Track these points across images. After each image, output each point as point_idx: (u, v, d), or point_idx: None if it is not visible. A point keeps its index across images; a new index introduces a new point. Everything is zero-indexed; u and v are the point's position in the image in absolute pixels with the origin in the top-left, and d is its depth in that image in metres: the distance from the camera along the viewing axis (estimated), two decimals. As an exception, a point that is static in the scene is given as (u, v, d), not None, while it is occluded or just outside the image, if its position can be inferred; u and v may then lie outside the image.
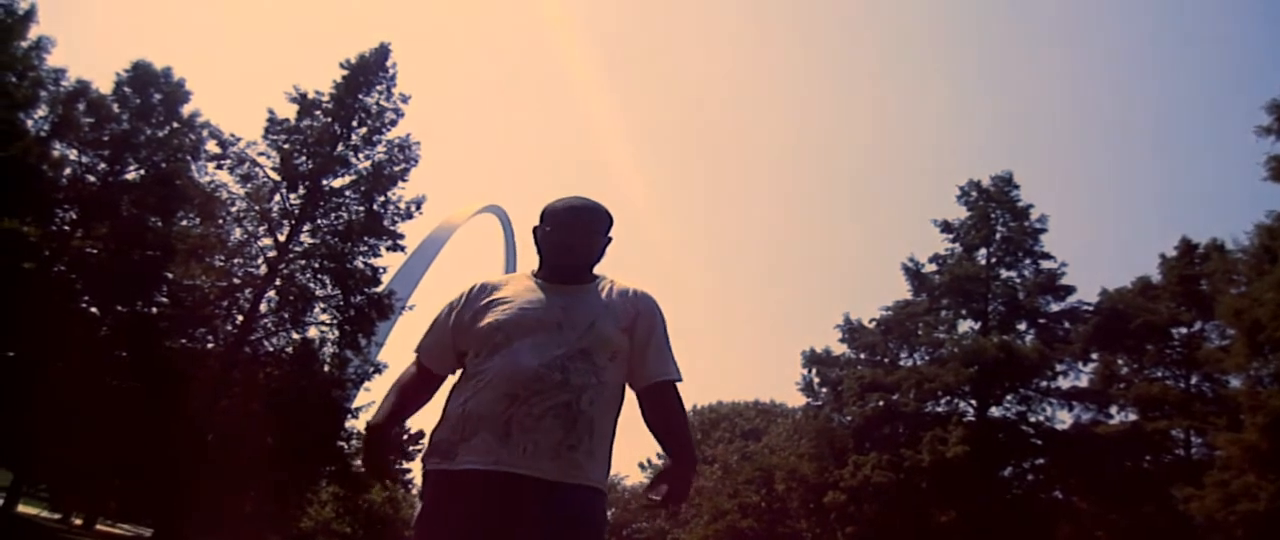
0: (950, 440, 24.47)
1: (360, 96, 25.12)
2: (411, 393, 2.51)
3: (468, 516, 2.16)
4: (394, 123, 25.45)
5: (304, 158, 24.31)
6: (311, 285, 24.44)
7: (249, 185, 24.07)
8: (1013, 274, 28.59)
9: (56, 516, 28.85)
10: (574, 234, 2.44)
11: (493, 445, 2.19)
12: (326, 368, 24.54)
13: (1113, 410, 26.81)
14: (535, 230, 2.52)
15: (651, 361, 2.41)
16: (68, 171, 22.32)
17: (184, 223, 23.74)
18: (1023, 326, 28.23)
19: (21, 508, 23.81)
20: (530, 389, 2.21)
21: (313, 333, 24.74)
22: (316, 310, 24.60)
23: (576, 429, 2.22)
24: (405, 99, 25.73)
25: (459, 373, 2.46)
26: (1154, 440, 24.57)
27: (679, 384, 2.45)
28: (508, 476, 2.16)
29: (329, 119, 24.73)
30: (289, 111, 24.51)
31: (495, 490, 2.16)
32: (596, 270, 2.52)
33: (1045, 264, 28.05)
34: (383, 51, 25.57)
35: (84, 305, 22.35)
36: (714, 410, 54.05)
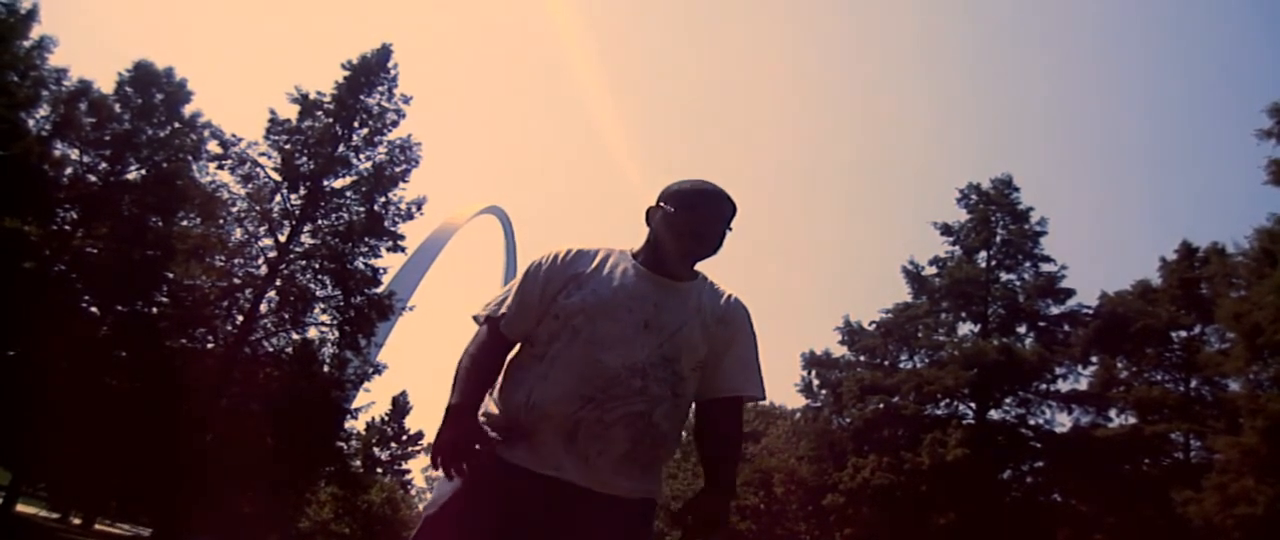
0: (950, 443, 24.46)
1: (362, 97, 25.15)
2: (493, 366, 2.19)
3: (514, 517, 2.00)
4: (395, 123, 25.50)
5: (305, 158, 24.33)
6: (312, 286, 24.46)
7: (250, 185, 24.10)
8: (1012, 277, 28.57)
9: (55, 516, 28.89)
10: (711, 223, 2.19)
11: (555, 448, 2.01)
12: (326, 368, 24.58)
13: (1112, 413, 26.80)
14: (652, 211, 2.25)
15: (730, 372, 2.20)
16: (69, 171, 22.34)
17: (185, 223, 23.76)
18: (1022, 329, 28.21)
19: (20, 507, 23.82)
20: (606, 392, 2.01)
21: (313, 333, 24.84)
22: (317, 311, 24.67)
23: (644, 443, 2.05)
24: (407, 100, 25.82)
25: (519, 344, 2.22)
26: (1153, 443, 24.55)
27: (759, 402, 2.28)
28: (565, 486, 2.00)
29: (330, 119, 24.76)
30: (290, 112, 24.58)
31: (550, 499, 2.00)
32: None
33: (1045, 267, 28.02)
34: (384, 52, 25.61)
35: (84, 305, 22.37)
36: (713, 412, 54.06)
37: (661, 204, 2.24)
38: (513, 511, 2.00)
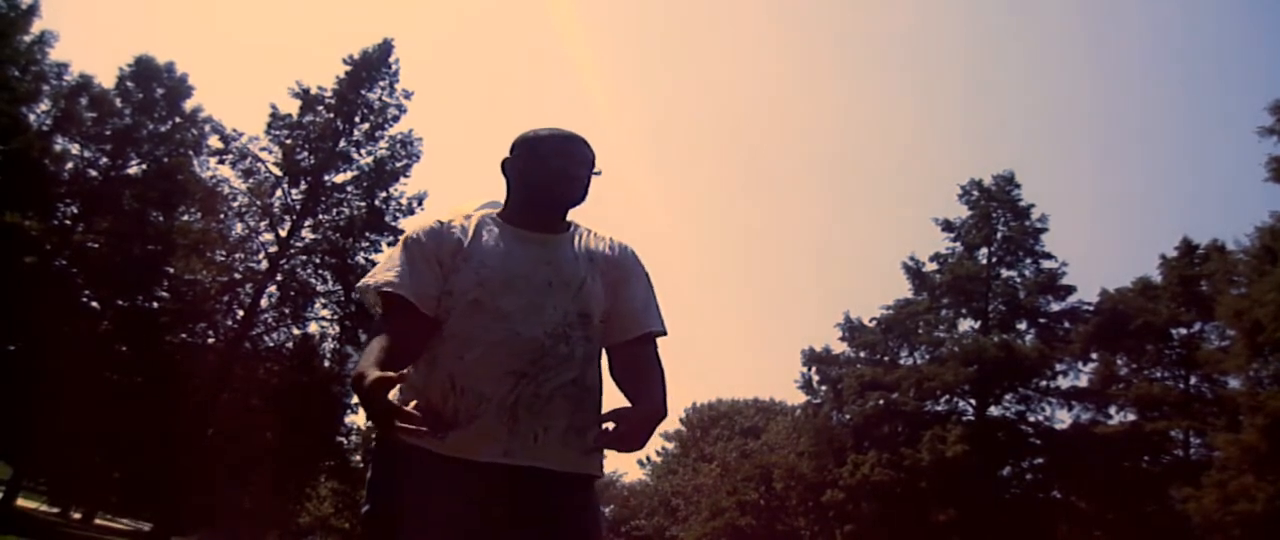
0: (949, 439, 24.48)
1: (363, 92, 25.13)
2: (407, 350, 1.86)
3: (470, 516, 1.82)
4: (396, 118, 25.47)
5: (306, 153, 24.35)
6: (312, 281, 24.51)
7: (251, 180, 24.14)
8: (1013, 273, 28.59)
9: (56, 510, 28.88)
10: (575, 163, 2.11)
11: (500, 433, 1.85)
12: (327, 363, 24.59)
13: (1112, 410, 26.80)
14: (508, 163, 2.15)
15: (637, 310, 2.09)
16: (69, 166, 22.40)
17: (185, 218, 23.81)
18: (1023, 326, 28.22)
19: (21, 501, 23.85)
20: (538, 364, 1.88)
21: (313, 328, 24.87)
22: (317, 306, 24.69)
23: (584, 409, 1.95)
24: (408, 95, 25.77)
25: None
26: (1153, 440, 24.57)
27: (661, 338, 2.12)
28: (516, 471, 1.85)
29: (331, 114, 24.75)
30: (291, 107, 24.57)
31: (505, 488, 1.84)
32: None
33: (1046, 263, 28.04)
34: (386, 47, 25.58)
35: (85, 300, 22.42)
36: (713, 408, 54.01)
37: (520, 155, 2.14)
38: (470, 509, 1.82)
